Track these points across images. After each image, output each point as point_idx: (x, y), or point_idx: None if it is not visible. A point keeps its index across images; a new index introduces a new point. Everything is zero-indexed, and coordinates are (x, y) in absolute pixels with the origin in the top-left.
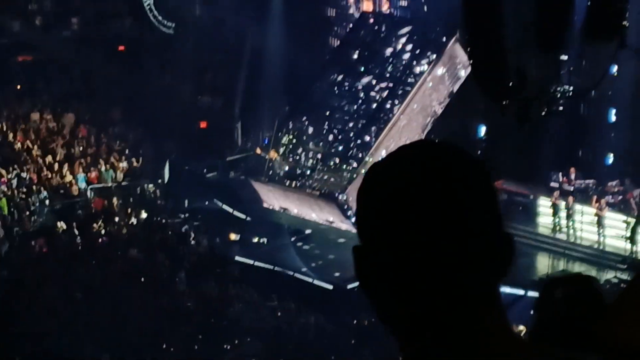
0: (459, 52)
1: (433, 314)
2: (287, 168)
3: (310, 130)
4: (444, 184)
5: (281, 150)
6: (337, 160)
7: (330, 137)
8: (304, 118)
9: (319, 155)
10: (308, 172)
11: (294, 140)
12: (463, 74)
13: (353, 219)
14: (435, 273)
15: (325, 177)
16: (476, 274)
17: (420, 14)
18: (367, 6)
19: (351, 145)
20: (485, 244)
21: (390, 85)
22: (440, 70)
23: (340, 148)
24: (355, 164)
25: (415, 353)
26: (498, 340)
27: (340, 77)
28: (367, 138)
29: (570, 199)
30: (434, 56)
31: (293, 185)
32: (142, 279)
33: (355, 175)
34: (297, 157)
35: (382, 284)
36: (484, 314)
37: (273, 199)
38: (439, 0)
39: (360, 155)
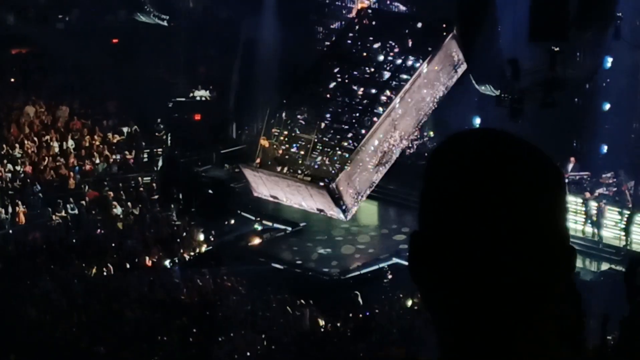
0: (455, 48)
1: (481, 315)
2: (278, 154)
3: (303, 119)
4: (518, 182)
5: (273, 138)
6: (329, 148)
7: (323, 126)
8: (297, 108)
9: (311, 144)
10: (299, 159)
11: (287, 129)
12: (459, 70)
13: (343, 207)
14: (492, 274)
15: (317, 164)
16: (531, 280)
17: (417, 9)
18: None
19: (344, 134)
20: (549, 254)
21: (385, 78)
22: (435, 66)
23: (332, 136)
24: (347, 153)
25: (457, 351)
26: (540, 354)
27: (335, 70)
28: (360, 129)
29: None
30: (430, 51)
31: (284, 171)
32: (136, 272)
33: (347, 164)
34: (289, 145)
35: (436, 275)
36: (531, 322)
37: (263, 186)
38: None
39: (353, 144)
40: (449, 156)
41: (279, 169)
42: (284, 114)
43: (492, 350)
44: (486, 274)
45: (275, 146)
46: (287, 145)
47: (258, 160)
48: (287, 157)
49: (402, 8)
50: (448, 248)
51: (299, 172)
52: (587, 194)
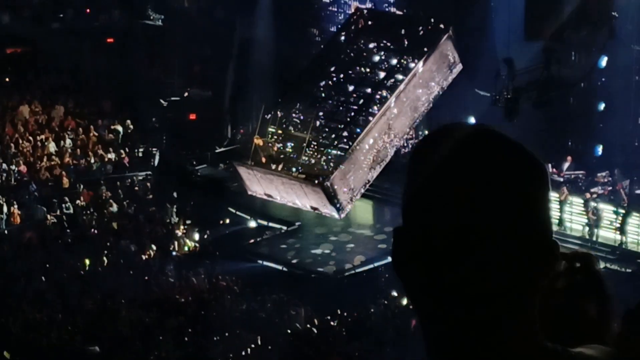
0: (451, 49)
1: (463, 309)
2: (272, 152)
3: (298, 118)
4: (498, 177)
5: (268, 137)
6: (324, 147)
7: (318, 125)
8: (292, 107)
9: (305, 142)
10: (294, 157)
11: (281, 127)
12: (454, 70)
13: (338, 205)
14: (467, 266)
15: (312, 162)
16: (511, 275)
17: (413, 10)
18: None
19: (339, 133)
20: (527, 246)
21: (381, 77)
22: (431, 66)
23: (327, 135)
24: (341, 152)
25: (441, 344)
26: (523, 348)
27: (330, 69)
28: (355, 127)
29: (564, 189)
30: (426, 52)
31: (279, 169)
32: (132, 271)
33: (341, 162)
34: (284, 143)
35: (418, 269)
36: (513, 316)
37: (257, 185)
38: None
39: (347, 143)
40: (429, 151)
41: (273, 167)
42: (278, 113)
43: (476, 345)
44: (467, 267)
45: (270, 144)
46: (281, 144)
47: (253, 159)
48: (281, 155)
49: (398, 9)
50: (429, 242)
51: (294, 170)
52: (588, 195)
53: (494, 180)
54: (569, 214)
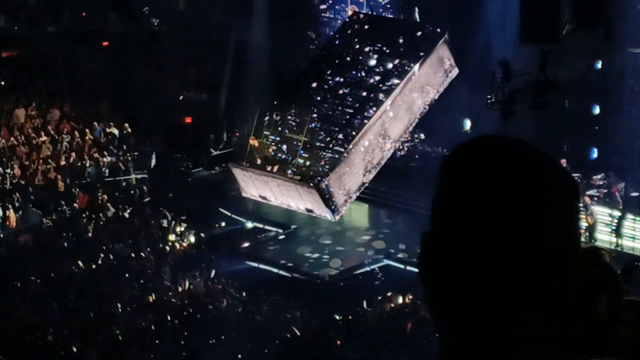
0: (447, 53)
1: (487, 318)
2: (268, 154)
3: (293, 120)
4: (533, 192)
5: (263, 138)
6: (319, 149)
7: (313, 127)
8: (288, 109)
9: (301, 144)
10: (290, 159)
11: (277, 129)
12: (450, 75)
13: (333, 207)
14: (500, 278)
15: (307, 164)
16: (541, 290)
17: (409, 15)
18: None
19: (334, 135)
20: (560, 261)
21: (376, 81)
22: (427, 70)
23: (323, 138)
24: (337, 154)
25: (461, 352)
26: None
27: (326, 72)
28: (351, 130)
29: None
30: (422, 56)
31: (274, 170)
32: (127, 274)
33: (336, 164)
34: (279, 145)
35: (445, 276)
36: (538, 328)
37: (252, 187)
38: (428, 2)
39: (343, 145)
40: (463, 161)
41: (269, 168)
42: (274, 115)
43: (496, 353)
44: (494, 277)
45: (265, 146)
46: (277, 146)
47: (248, 161)
48: (277, 157)
49: (395, 13)
50: (458, 250)
51: (289, 171)
52: (587, 199)
53: (524, 192)
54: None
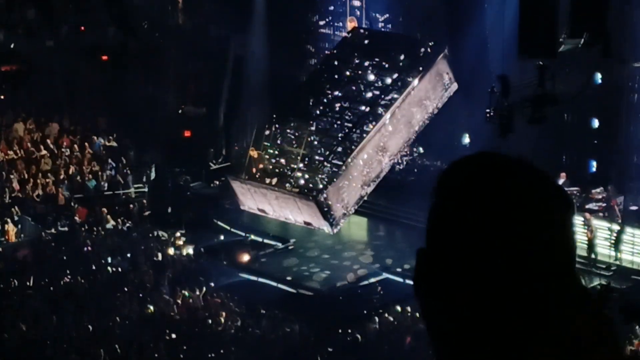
0: (446, 68)
1: (481, 333)
2: (267, 167)
3: (292, 134)
4: (528, 208)
5: (263, 151)
6: (318, 162)
7: (312, 140)
8: (287, 123)
9: (300, 157)
10: (289, 171)
11: (276, 143)
12: (449, 89)
13: (331, 220)
14: (495, 293)
15: (306, 177)
16: (536, 299)
17: (409, 30)
18: (351, 26)
19: (333, 149)
20: (554, 276)
21: (376, 95)
22: (426, 85)
23: (322, 151)
24: (336, 168)
25: None
26: None
27: (326, 86)
28: (349, 144)
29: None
30: (421, 71)
31: (273, 183)
32: (126, 288)
33: (335, 177)
34: (278, 158)
35: (440, 291)
36: (539, 341)
37: (250, 200)
38: (427, 18)
39: (342, 159)
40: (458, 177)
41: (267, 181)
42: (273, 128)
43: None
44: (489, 293)
45: (265, 159)
46: (276, 159)
47: (247, 174)
48: (276, 169)
49: (394, 29)
50: (455, 265)
51: (288, 184)
52: (587, 215)
53: (519, 207)
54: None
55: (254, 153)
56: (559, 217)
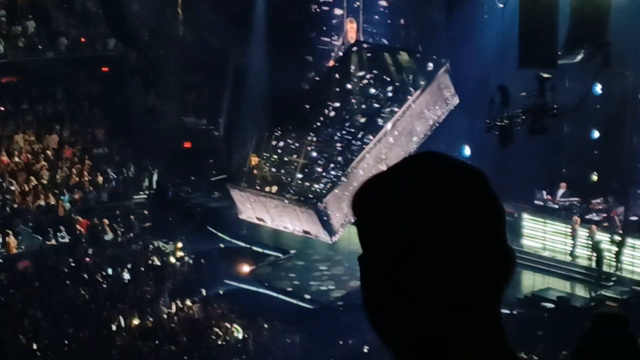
0: (448, 82)
1: (429, 328)
2: (267, 175)
3: (293, 144)
4: (447, 196)
5: (263, 160)
6: (318, 173)
7: (313, 150)
8: (288, 133)
9: (299, 167)
10: (289, 180)
11: (276, 152)
12: (450, 104)
13: (330, 229)
14: (434, 286)
15: (306, 186)
16: (476, 288)
17: (409, 43)
18: (351, 34)
19: (333, 159)
20: (485, 257)
21: (376, 108)
22: (427, 99)
23: (324, 162)
24: (335, 177)
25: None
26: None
27: (328, 98)
28: (349, 155)
29: (577, 219)
30: (422, 85)
31: (273, 191)
32: (127, 300)
33: (335, 186)
34: (278, 167)
35: (379, 295)
36: (484, 332)
37: (249, 209)
38: (426, 30)
39: (342, 169)
40: (378, 179)
41: (267, 189)
42: (273, 137)
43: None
44: (424, 286)
45: (265, 168)
46: (276, 168)
47: (247, 181)
48: (276, 178)
49: (395, 42)
50: (387, 263)
51: (288, 193)
52: (594, 227)
53: (438, 199)
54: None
55: (254, 159)
56: (476, 205)
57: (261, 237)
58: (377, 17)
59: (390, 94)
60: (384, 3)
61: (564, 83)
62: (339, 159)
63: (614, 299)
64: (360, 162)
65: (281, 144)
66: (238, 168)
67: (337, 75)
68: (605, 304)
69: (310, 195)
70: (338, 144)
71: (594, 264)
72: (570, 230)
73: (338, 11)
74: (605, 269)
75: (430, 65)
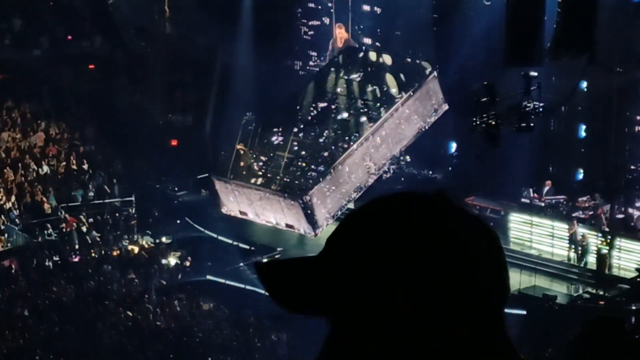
0: (437, 87)
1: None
2: (253, 167)
3: (280, 140)
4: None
5: (249, 151)
6: (303, 168)
7: (299, 146)
8: (274, 128)
9: (285, 161)
10: (274, 173)
11: (263, 147)
12: (439, 109)
13: (314, 222)
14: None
15: (292, 178)
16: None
17: (397, 47)
18: (340, 39)
19: (320, 153)
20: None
21: (364, 109)
22: (415, 103)
23: (310, 159)
24: (321, 173)
25: None
26: None
27: (317, 98)
28: (335, 152)
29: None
30: (411, 89)
31: (258, 182)
32: (114, 296)
33: (320, 179)
34: (264, 161)
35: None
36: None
37: (233, 202)
38: (418, 35)
39: (328, 164)
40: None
41: (253, 180)
42: (259, 131)
43: None
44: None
45: (252, 161)
46: (262, 162)
47: (233, 172)
48: (261, 171)
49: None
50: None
51: (273, 185)
52: (588, 234)
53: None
54: (550, 239)
55: (240, 148)
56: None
57: (248, 235)
58: (365, 18)
59: (378, 96)
60: (372, 7)
61: (551, 81)
62: (325, 154)
63: (600, 297)
64: (347, 159)
65: (267, 139)
66: (224, 165)
67: (325, 77)
68: (594, 303)
69: (296, 188)
70: (325, 141)
71: (582, 263)
72: (568, 234)
73: (326, 11)
74: (591, 267)
75: (419, 69)
